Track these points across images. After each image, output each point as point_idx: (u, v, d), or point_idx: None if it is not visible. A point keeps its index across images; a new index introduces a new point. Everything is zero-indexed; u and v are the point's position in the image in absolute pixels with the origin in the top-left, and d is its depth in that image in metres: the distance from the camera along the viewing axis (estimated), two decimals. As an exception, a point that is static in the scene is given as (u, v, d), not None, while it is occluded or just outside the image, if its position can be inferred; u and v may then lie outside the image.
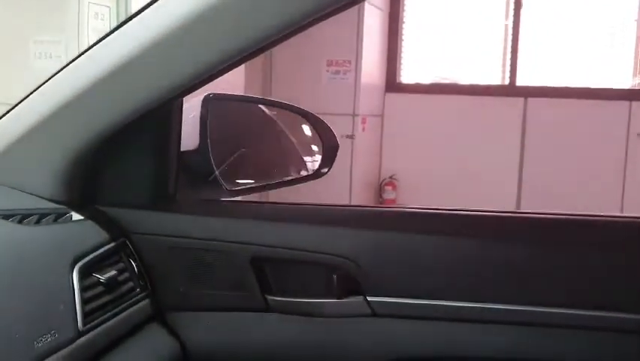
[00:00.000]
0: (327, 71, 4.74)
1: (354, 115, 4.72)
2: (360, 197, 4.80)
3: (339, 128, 4.87)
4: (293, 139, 1.16)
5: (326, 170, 1.09)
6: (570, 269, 0.83)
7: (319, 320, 0.88)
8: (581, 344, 0.83)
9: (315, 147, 1.10)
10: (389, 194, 4.98)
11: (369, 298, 0.85)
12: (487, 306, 0.83)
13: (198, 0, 0.71)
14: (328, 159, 1.08)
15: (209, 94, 1.00)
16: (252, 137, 1.15)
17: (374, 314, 0.86)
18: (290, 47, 4.71)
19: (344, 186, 4.72)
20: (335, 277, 0.86)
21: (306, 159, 1.13)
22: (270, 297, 0.88)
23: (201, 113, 0.98)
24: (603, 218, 0.89)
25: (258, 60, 4.67)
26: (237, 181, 1.03)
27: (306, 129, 1.11)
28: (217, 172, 0.96)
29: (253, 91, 4.61)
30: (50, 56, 3.33)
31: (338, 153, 1.08)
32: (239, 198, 0.98)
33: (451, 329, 0.85)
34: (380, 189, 5.04)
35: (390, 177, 4.96)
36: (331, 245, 0.86)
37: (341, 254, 0.86)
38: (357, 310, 0.86)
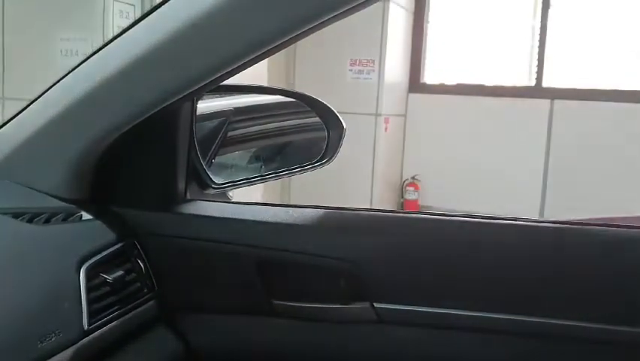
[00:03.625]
0: (351, 70, 4.72)
1: (376, 115, 4.70)
2: (381, 198, 4.78)
3: (361, 127, 4.85)
4: (292, 126, 1.10)
5: (328, 158, 1.02)
6: (585, 281, 0.81)
7: (325, 325, 0.87)
8: (597, 359, 0.81)
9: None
10: (411, 195, 4.94)
11: (375, 305, 0.84)
12: (497, 316, 0.81)
13: (204, 2, 0.71)
14: (333, 147, 1.02)
15: None
16: (245, 128, 1.09)
17: (380, 321, 0.84)
18: (313, 45, 4.70)
19: (365, 187, 4.71)
20: (342, 282, 0.86)
21: (307, 146, 1.06)
22: (275, 301, 0.88)
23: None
24: (625, 229, 0.86)
25: (281, 59, 4.68)
26: (226, 176, 0.99)
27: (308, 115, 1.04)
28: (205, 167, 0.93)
29: (276, 90, 4.61)
30: (77, 53, 3.39)
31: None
32: (250, 200, 0.98)
33: (458, 338, 0.83)
34: (402, 190, 5.01)
35: (413, 178, 4.92)
36: (339, 250, 0.85)
37: (348, 259, 0.85)
38: (363, 316, 0.85)
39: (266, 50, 0.74)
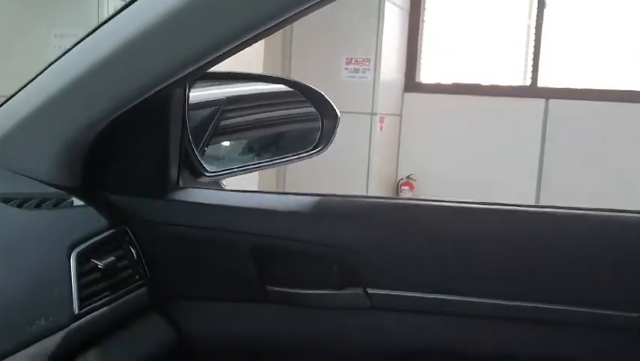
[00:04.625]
0: (346, 68, 4.72)
1: (372, 114, 4.70)
2: (376, 196, 4.78)
3: (356, 126, 4.86)
4: (285, 114, 1.10)
5: (322, 147, 1.02)
6: (579, 266, 0.81)
7: (318, 312, 0.86)
8: (588, 343, 0.81)
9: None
10: (406, 194, 4.95)
11: (368, 291, 0.84)
12: (489, 302, 0.81)
13: None
14: (327, 134, 1.02)
15: None
16: (237, 117, 1.09)
17: (373, 307, 0.84)
18: (309, 43, 4.70)
19: (361, 186, 4.71)
20: (335, 268, 0.85)
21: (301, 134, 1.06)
22: (269, 287, 0.87)
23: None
24: (619, 214, 0.85)
25: (276, 56, 4.68)
26: (219, 165, 0.99)
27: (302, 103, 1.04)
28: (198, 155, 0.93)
29: (271, 88, 4.60)
30: (71, 49, 3.37)
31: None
32: (241, 187, 0.97)
33: (451, 323, 0.83)
34: (397, 189, 5.01)
35: (408, 177, 4.93)
36: (332, 236, 0.85)
37: (342, 245, 0.85)
38: (356, 302, 0.85)
39: (255, 34, 0.74)
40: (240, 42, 0.75)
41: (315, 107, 1.02)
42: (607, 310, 0.79)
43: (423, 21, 4.96)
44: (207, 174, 0.98)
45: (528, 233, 0.83)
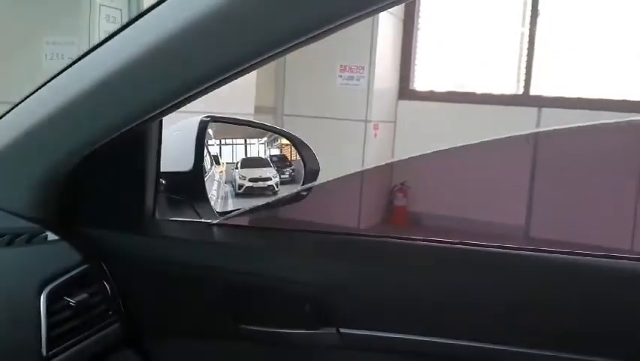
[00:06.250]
0: (340, 76, 4.73)
1: (366, 121, 4.70)
2: (370, 203, 4.79)
3: (350, 133, 4.84)
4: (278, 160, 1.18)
5: (306, 193, 1.09)
6: (554, 309, 0.80)
7: (290, 350, 0.86)
8: None
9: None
10: (400, 201, 4.95)
11: (341, 330, 0.84)
12: (462, 343, 0.81)
13: (175, 21, 0.70)
14: (309, 182, 1.10)
15: (206, 116, 1.00)
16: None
17: (345, 346, 0.84)
18: (303, 51, 4.68)
19: (354, 192, 4.70)
20: (307, 306, 0.85)
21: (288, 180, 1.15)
22: (242, 325, 0.87)
23: (197, 135, 0.98)
24: (604, 259, 0.83)
25: (271, 64, 4.68)
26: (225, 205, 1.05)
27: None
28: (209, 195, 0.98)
29: (265, 95, 4.59)
30: (62, 57, 3.36)
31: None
32: (216, 221, 0.97)
33: None
34: (391, 196, 5.01)
35: (402, 184, 4.93)
36: (306, 274, 0.85)
37: (315, 284, 0.84)
38: (328, 341, 0.84)
39: (241, 69, 0.73)
40: (225, 77, 0.74)
41: (301, 156, 1.11)
42: (601, 357, 0.77)
43: (417, 29, 4.97)
44: (218, 212, 1.01)
45: (504, 274, 0.82)
